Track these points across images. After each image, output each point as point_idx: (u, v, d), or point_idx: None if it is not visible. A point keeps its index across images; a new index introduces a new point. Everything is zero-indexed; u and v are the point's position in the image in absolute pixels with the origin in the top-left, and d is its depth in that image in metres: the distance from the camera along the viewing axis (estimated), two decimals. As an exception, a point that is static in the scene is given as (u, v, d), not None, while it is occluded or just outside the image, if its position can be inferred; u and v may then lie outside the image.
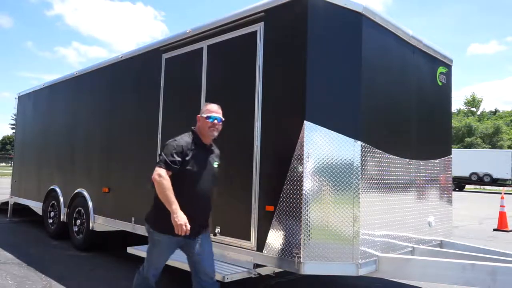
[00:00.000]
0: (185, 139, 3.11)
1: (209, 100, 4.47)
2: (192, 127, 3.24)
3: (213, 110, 3.20)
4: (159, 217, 3.02)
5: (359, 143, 3.58)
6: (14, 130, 15.78)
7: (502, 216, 10.33)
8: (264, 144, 3.84)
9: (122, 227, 5.59)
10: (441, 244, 4.71)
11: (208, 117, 3.15)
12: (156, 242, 3.12)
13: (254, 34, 4.03)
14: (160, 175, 2.93)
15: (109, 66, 6.33)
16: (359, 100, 3.65)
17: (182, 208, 2.94)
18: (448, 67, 5.15)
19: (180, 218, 2.89)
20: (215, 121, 3.17)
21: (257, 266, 3.81)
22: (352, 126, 3.59)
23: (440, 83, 4.94)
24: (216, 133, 3.20)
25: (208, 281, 3.13)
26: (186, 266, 4.03)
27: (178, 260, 4.17)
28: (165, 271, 3.49)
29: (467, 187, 31.69)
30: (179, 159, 3.00)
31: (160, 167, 2.97)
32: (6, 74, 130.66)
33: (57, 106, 7.74)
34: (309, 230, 3.43)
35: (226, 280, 3.60)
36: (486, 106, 74.71)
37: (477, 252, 4.17)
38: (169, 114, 5.04)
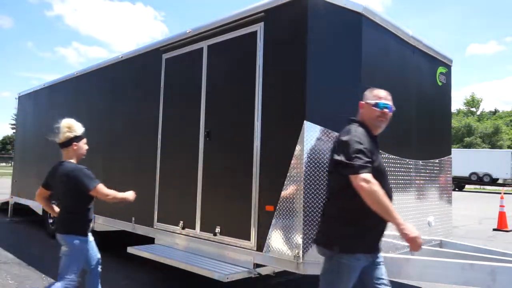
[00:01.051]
0: (360, 131, 2.50)
1: (209, 99, 4.48)
2: (353, 118, 2.68)
3: (382, 96, 2.61)
4: (356, 235, 2.41)
5: (359, 143, 3.58)
6: (14, 130, 15.79)
7: (501, 216, 10.34)
8: (264, 144, 3.84)
9: (122, 227, 5.60)
10: (440, 244, 4.72)
11: (377, 104, 2.58)
12: (345, 268, 2.41)
13: (254, 34, 4.03)
14: (368, 181, 2.27)
15: (109, 66, 6.33)
16: (359, 100, 3.64)
17: (373, 220, 2.35)
18: (448, 67, 5.15)
19: (412, 230, 2.26)
20: (385, 110, 2.58)
21: (257, 266, 3.81)
22: (352, 126, 3.59)
23: (440, 83, 4.95)
24: (384, 125, 2.62)
25: None
26: (183, 266, 4.05)
27: (177, 259, 4.18)
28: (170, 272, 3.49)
29: (467, 187, 31.69)
30: (369, 157, 2.38)
31: (358, 173, 2.29)
32: (6, 74, 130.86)
33: (57, 106, 7.74)
34: (309, 230, 3.43)
35: (226, 280, 3.60)
36: (486, 106, 74.74)
37: (477, 252, 4.17)
38: (169, 114, 5.04)
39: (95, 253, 3.48)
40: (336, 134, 3.53)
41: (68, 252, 3.19)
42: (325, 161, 3.50)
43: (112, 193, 3.37)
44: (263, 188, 3.80)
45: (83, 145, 3.62)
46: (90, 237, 3.44)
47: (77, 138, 3.55)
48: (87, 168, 3.41)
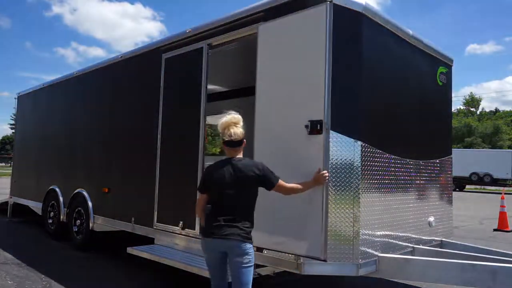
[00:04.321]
0: None
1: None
2: None
3: None
4: None
5: (359, 143, 3.57)
6: (13, 130, 15.81)
7: (502, 216, 10.31)
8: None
9: (122, 227, 5.58)
10: (441, 244, 4.70)
11: None
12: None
13: (253, 33, 4.01)
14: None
15: (108, 66, 6.32)
16: (359, 100, 3.64)
17: None
18: (449, 67, 5.13)
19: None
20: None
21: (257, 266, 3.80)
22: (352, 126, 3.58)
23: (440, 83, 4.93)
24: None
25: None
26: (182, 266, 4.04)
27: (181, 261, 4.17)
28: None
29: (468, 187, 31.65)
30: None
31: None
32: (5, 74, 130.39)
33: (56, 106, 7.73)
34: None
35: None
36: (486, 106, 74.74)
37: (477, 252, 4.16)
38: (169, 114, 5.02)
39: None
40: (336, 133, 3.52)
41: (249, 262, 2.74)
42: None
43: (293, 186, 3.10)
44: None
45: None
46: None
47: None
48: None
